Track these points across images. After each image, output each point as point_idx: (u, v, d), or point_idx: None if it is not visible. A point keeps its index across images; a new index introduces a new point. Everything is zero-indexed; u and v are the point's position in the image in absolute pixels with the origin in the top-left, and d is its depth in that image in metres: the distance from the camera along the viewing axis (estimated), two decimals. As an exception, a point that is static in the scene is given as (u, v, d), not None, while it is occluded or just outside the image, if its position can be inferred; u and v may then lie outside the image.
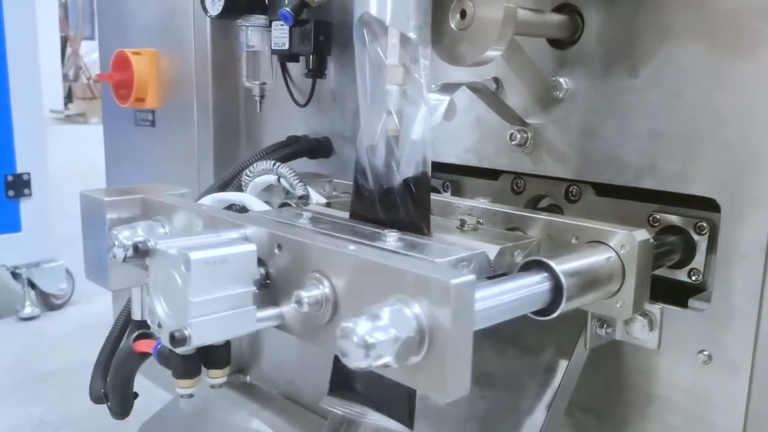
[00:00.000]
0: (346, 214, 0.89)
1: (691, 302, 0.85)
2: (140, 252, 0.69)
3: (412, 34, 0.76)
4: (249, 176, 1.05)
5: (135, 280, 0.88)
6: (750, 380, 0.80)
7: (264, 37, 1.33)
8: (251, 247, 0.68)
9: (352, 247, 0.64)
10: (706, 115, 0.82)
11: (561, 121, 0.95)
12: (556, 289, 0.71)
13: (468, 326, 0.55)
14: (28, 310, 3.13)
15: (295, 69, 1.36)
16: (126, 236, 0.81)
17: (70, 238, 2.08)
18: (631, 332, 0.86)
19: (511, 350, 0.90)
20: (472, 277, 0.55)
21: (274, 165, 1.03)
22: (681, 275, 0.91)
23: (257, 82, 1.37)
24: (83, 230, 0.92)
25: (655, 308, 0.85)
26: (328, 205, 1.00)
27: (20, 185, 2.98)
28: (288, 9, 1.21)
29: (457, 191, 1.15)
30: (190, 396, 0.79)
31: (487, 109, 1.00)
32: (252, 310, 0.67)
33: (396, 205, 0.82)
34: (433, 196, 0.95)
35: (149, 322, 0.73)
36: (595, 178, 0.93)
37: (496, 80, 1.01)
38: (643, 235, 0.78)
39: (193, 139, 1.54)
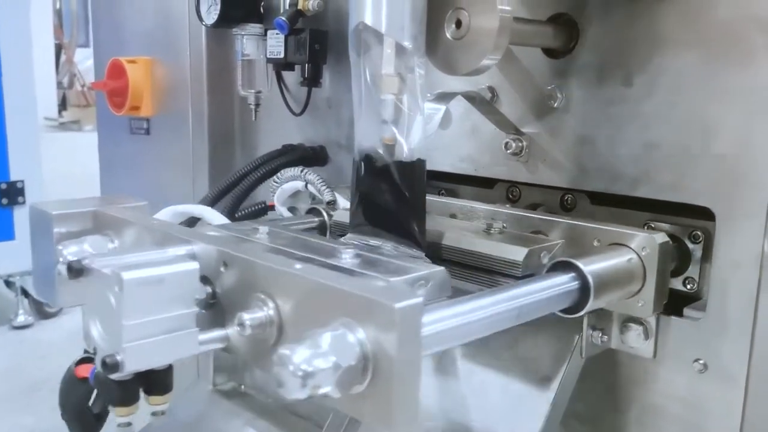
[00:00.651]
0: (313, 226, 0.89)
1: (687, 311, 0.85)
2: (74, 271, 0.65)
3: (407, 44, 0.76)
4: (276, 182, 1.06)
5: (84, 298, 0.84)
6: (746, 389, 0.80)
7: (259, 45, 1.33)
8: (193, 266, 0.63)
9: (298, 266, 0.60)
10: (701, 125, 0.82)
11: (556, 130, 0.95)
12: (584, 288, 0.75)
13: (415, 352, 0.51)
14: (21, 319, 3.11)
15: (291, 77, 1.36)
16: (72, 252, 0.76)
17: (63, 247, 2.06)
18: (626, 341, 0.86)
19: (506, 359, 0.90)
20: (418, 299, 0.51)
21: (301, 171, 1.04)
22: (676, 284, 0.91)
23: (252, 91, 1.38)
24: (32, 244, 0.86)
25: (651, 317, 0.85)
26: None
27: (14, 193, 2.97)
28: (283, 18, 1.22)
29: (453, 200, 1.16)
30: (128, 425, 0.74)
31: (482, 118, 1.00)
32: (194, 333, 0.61)
33: (392, 214, 0.82)
34: (458, 202, 0.99)
35: (86, 346, 0.68)
36: (590, 187, 0.94)
37: (492, 89, 1.01)
38: (662, 237, 0.81)
39: (188, 148, 1.54)
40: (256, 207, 1.30)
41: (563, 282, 0.75)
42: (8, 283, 3.11)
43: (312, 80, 1.29)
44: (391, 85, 0.78)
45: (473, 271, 0.85)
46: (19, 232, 2.99)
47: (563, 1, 0.92)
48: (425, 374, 0.95)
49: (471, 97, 0.93)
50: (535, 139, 0.97)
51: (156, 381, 0.73)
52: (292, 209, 1.16)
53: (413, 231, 0.81)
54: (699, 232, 0.87)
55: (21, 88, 2.97)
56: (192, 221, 1.03)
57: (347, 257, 0.72)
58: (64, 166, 5.61)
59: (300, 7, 1.23)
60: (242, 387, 1.55)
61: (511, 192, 1.06)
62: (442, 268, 0.73)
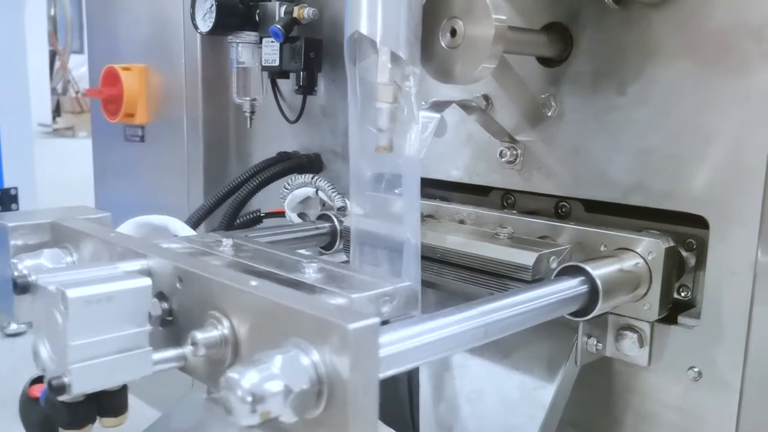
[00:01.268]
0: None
1: (681, 318, 0.86)
2: (19, 287, 0.62)
3: (402, 53, 0.77)
4: (287, 189, 1.06)
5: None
6: (740, 396, 0.80)
7: (254, 53, 1.33)
8: (144, 282, 0.59)
9: (253, 282, 0.56)
10: (694, 133, 0.82)
11: (550, 138, 0.96)
12: (593, 292, 0.77)
13: (371, 375, 0.48)
14: (14, 326, 3.09)
15: (286, 85, 1.36)
16: (28, 266, 0.73)
17: (57, 254, 2.05)
18: (621, 348, 0.87)
19: (501, 367, 0.90)
20: (374, 320, 0.47)
21: (312, 178, 1.04)
22: (670, 291, 0.91)
23: (247, 98, 1.38)
24: None
25: (645, 324, 0.85)
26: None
27: (8, 200, 2.96)
28: (279, 26, 1.22)
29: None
30: None
31: (477, 127, 1.00)
32: (147, 352, 0.58)
33: (387, 221, 0.82)
34: (467, 208, 1.01)
35: (36, 366, 0.64)
36: (584, 195, 0.94)
37: (486, 98, 1.01)
38: (668, 242, 0.83)
39: (183, 155, 1.54)
40: (251, 216, 1.30)
41: (573, 286, 0.77)
42: (1, 291, 3.10)
43: (307, 88, 1.29)
44: (387, 93, 0.78)
45: (483, 276, 0.86)
46: (12, 239, 2.98)
47: (557, 10, 0.92)
48: (422, 381, 0.95)
49: (466, 106, 0.93)
50: (530, 147, 0.98)
51: (108, 402, 0.68)
52: (302, 215, 1.16)
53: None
54: (693, 240, 0.87)
55: (15, 94, 2.97)
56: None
57: (310, 272, 0.69)
58: (58, 172, 5.60)
59: (295, 15, 1.23)
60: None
61: (506, 200, 1.06)
62: (409, 283, 0.70)
